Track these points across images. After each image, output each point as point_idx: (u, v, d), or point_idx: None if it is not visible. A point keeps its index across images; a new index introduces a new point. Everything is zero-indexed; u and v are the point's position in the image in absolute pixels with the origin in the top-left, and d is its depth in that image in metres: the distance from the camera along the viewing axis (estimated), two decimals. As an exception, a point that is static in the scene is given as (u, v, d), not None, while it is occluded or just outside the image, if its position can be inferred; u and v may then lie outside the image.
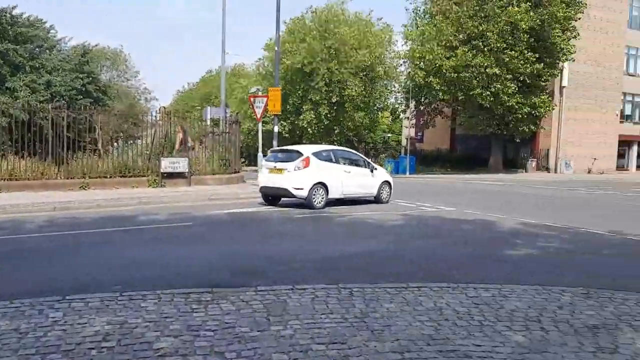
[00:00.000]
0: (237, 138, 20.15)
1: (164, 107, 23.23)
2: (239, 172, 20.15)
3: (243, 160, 26.25)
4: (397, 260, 7.28)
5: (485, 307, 4.92)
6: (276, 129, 19.18)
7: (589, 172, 38.71)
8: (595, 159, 39.42)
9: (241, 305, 4.80)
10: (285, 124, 36.35)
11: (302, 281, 5.76)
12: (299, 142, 38.59)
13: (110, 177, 16.13)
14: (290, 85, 36.45)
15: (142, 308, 4.67)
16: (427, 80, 31.58)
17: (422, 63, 31.71)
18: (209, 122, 22.65)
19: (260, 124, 18.70)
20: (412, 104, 36.90)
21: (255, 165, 18.52)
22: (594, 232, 10.24)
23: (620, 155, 43.15)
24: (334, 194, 13.57)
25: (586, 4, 32.53)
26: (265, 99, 17.85)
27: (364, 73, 36.33)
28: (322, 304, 4.90)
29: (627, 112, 43.21)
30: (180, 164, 17.04)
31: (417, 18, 37.26)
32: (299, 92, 35.94)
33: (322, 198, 13.26)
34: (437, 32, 31.60)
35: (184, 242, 8.56)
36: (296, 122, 36.48)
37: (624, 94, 42.11)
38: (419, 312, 4.71)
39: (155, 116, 19.74)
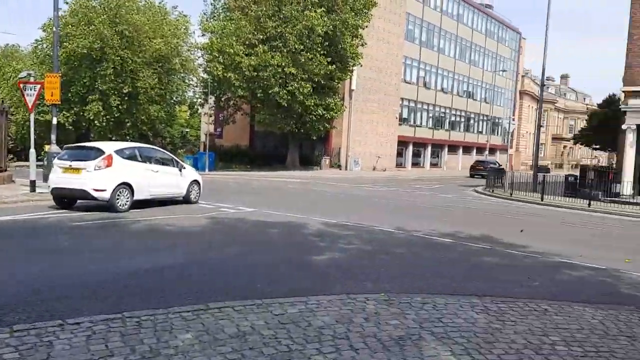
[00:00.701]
0: (2, 130, 17.09)
1: None
2: (6, 170, 17.13)
3: (12, 156, 22.50)
4: (197, 274, 6.54)
5: (293, 326, 4.52)
6: (55, 120, 16.66)
7: (374, 169, 42.53)
8: (379, 157, 43.46)
9: (-15, 359, 3.62)
10: (68, 114, 32.46)
11: (76, 312, 4.69)
12: (86, 135, 34.95)
13: None
14: (74, 72, 32.66)
15: None
16: (226, 75, 31.00)
17: (221, 57, 31.03)
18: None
19: (32, 115, 15.96)
20: (211, 99, 36.09)
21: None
22: (384, 229, 10.83)
23: (399, 154, 48.41)
24: (140, 194, 12.42)
25: (372, 15, 35.35)
26: (38, 86, 15.29)
27: (160, 64, 34.27)
28: (100, 343, 3.96)
29: (405, 115, 48.57)
30: None
31: (216, 10, 36.53)
32: (85, 80, 32.37)
33: (127, 200, 12.02)
34: (235, 29, 31.22)
35: None
36: (82, 113, 32.81)
37: (402, 99, 47.22)
38: (221, 342, 4.09)
39: None
